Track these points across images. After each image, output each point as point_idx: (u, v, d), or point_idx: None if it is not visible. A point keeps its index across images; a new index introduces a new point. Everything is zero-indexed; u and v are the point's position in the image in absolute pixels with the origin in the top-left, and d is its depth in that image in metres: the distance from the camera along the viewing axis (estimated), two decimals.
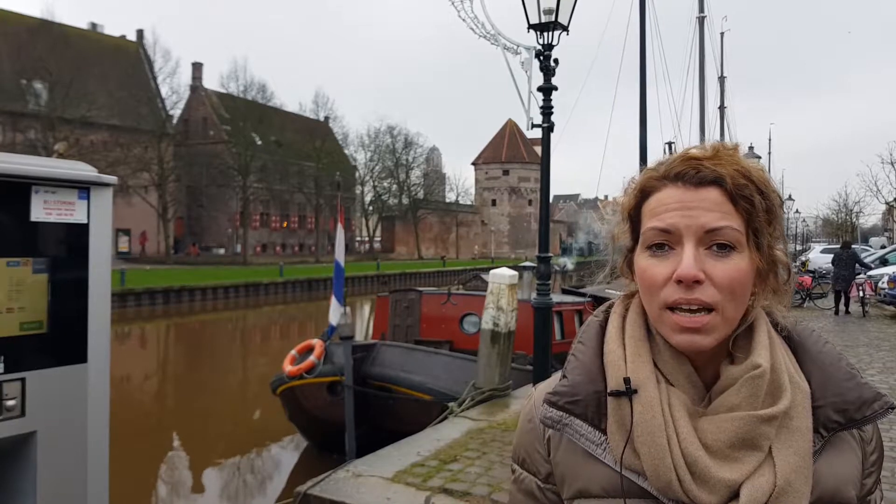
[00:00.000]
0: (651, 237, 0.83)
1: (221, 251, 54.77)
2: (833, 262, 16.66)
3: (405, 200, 70.16)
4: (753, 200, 0.81)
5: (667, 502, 0.79)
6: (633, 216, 0.88)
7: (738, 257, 0.81)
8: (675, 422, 0.80)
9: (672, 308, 0.80)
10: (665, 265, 0.81)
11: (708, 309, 0.79)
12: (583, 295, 13.01)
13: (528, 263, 11.97)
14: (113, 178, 2.11)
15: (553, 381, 0.93)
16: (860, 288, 15.88)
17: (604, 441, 0.85)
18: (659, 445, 0.79)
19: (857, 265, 16.00)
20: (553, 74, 6.86)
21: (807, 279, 17.75)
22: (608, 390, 0.85)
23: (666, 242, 0.82)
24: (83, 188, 2.02)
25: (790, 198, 41.52)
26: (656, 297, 0.82)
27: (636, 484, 0.82)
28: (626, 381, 0.83)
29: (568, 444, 0.88)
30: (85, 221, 2.03)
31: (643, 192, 0.87)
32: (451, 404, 6.81)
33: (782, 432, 0.80)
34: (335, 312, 7.73)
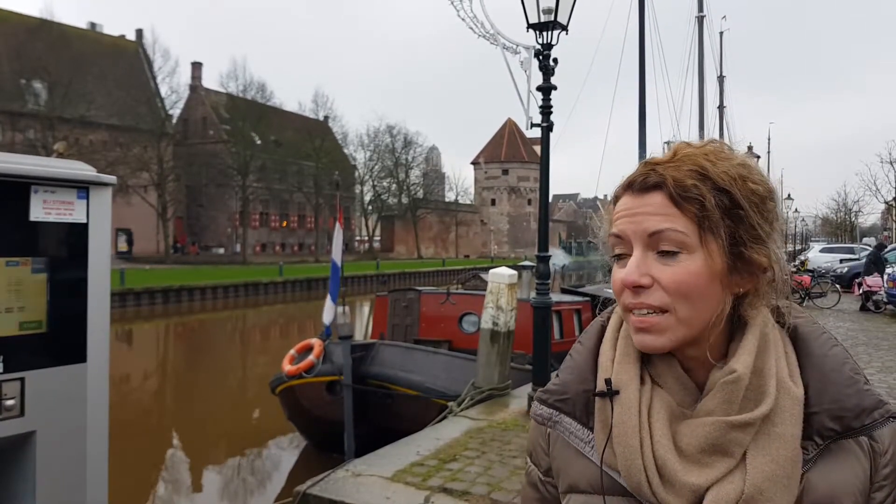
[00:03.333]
0: (612, 244, 0.86)
1: (221, 251, 54.74)
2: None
3: (404, 200, 70.13)
4: (703, 201, 0.79)
5: (643, 502, 0.80)
6: None
7: (687, 259, 0.79)
8: (652, 424, 0.81)
9: (632, 311, 0.82)
10: (622, 271, 0.83)
11: (662, 310, 0.80)
12: (582, 294, 13.02)
13: (527, 263, 11.98)
14: (112, 178, 2.11)
15: None
16: (859, 286, 16.23)
17: (591, 438, 0.87)
18: (631, 446, 0.80)
19: (873, 265, 16.52)
20: (552, 74, 6.86)
21: (806, 278, 17.80)
22: (595, 390, 0.87)
23: (623, 249, 0.84)
24: (82, 188, 2.02)
25: (789, 197, 41.54)
26: (620, 301, 0.84)
27: (617, 482, 0.83)
28: (608, 381, 0.85)
29: (563, 440, 0.91)
30: (84, 221, 2.02)
31: (615, 202, 0.88)
32: (450, 403, 6.82)
33: (761, 439, 0.78)
34: (329, 312, 7.75)
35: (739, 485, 0.76)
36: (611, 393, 0.84)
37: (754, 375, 0.80)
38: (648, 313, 0.80)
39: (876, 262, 16.74)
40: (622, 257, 0.84)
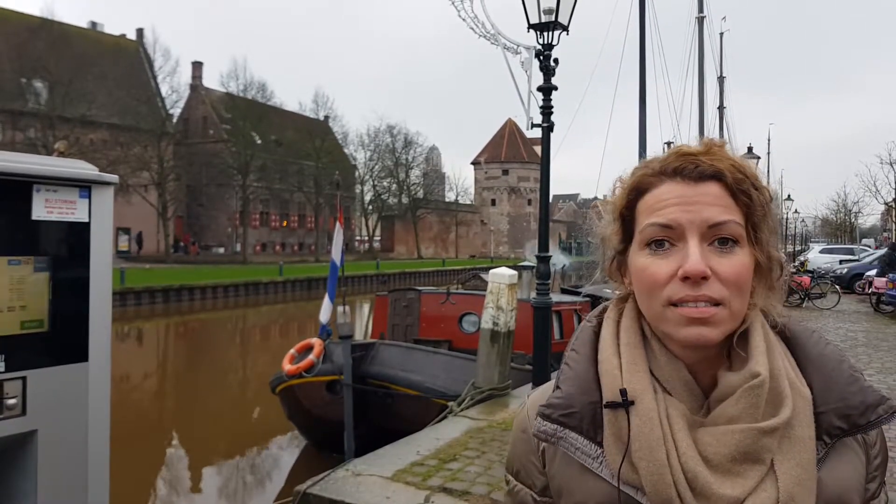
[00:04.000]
0: (651, 233, 0.81)
1: (221, 250, 54.73)
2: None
3: (405, 200, 70.09)
4: (751, 195, 0.81)
5: None
6: (626, 215, 0.86)
7: (741, 252, 0.79)
8: (675, 435, 0.77)
9: (677, 304, 0.78)
10: (667, 262, 0.79)
11: (717, 303, 0.77)
12: (581, 294, 13.00)
13: (527, 263, 11.98)
14: (114, 177, 2.12)
15: (546, 391, 0.90)
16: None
17: (600, 454, 0.82)
18: (658, 460, 0.76)
19: (887, 265, 16.56)
20: (553, 74, 6.87)
21: (805, 279, 17.80)
22: (604, 402, 0.82)
23: (667, 238, 0.80)
24: (84, 187, 2.02)
25: (789, 197, 41.55)
26: (658, 295, 0.79)
27: (634, 499, 0.79)
28: (623, 392, 0.80)
29: (564, 456, 0.85)
30: (86, 220, 2.03)
31: (637, 190, 0.85)
32: (450, 403, 6.82)
33: (784, 443, 0.77)
34: (326, 310, 7.76)
35: (773, 493, 0.74)
36: (626, 404, 0.79)
37: (770, 378, 0.79)
38: (705, 305, 0.77)
39: (890, 263, 16.71)
40: (660, 247, 0.81)
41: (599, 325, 0.90)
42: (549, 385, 0.91)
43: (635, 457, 0.78)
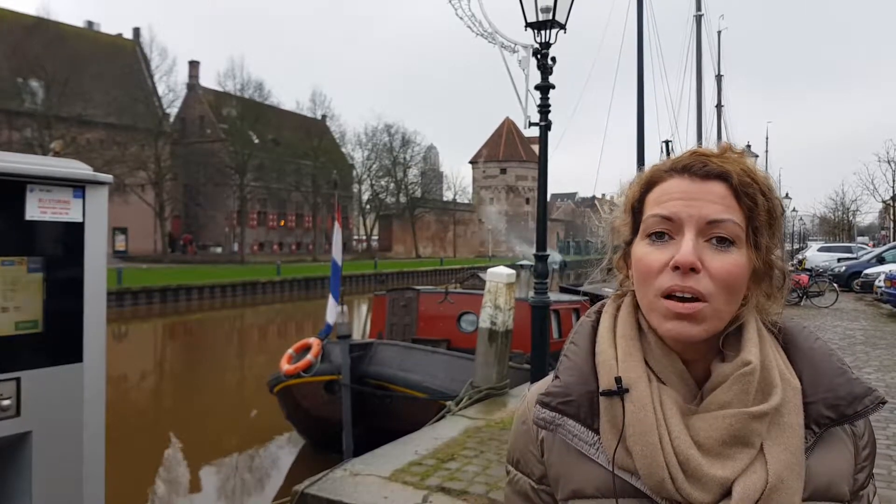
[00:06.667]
0: (652, 224, 0.84)
1: (218, 250, 54.69)
2: None
3: (402, 199, 70.10)
4: (757, 200, 0.83)
5: (660, 501, 0.79)
6: (636, 208, 0.89)
7: (736, 253, 0.82)
8: (667, 420, 0.80)
9: (666, 297, 0.81)
10: (663, 252, 0.82)
11: (703, 299, 0.80)
12: (580, 293, 13.01)
13: (525, 262, 11.98)
14: (108, 177, 2.11)
15: (546, 382, 0.93)
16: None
17: (597, 441, 0.85)
18: (651, 444, 0.79)
19: None
20: (550, 73, 6.87)
21: (803, 277, 17.81)
22: (600, 390, 0.85)
23: (666, 231, 0.83)
24: (78, 187, 2.01)
25: (787, 196, 41.58)
26: (651, 284, 0.83)
27: (629, 483, 0.82)
28: (618, 380, 0.83)
29: (561, 444, 0.88)
30: (80, 220, 2.02)
31: (649, 184, 0.89)
32: (448, 403, 6.81)
33: (773, 429, 0.80)
34: (332, 311, 7.73)
35: (762, 475, 0.78)
36: (621, 391, 0.83)
37: (761, 367, 0.82)
38: (691, 299, 0.80)
39: None
40: (659, 239, 0.84)
41: (598, 319, 0.94)
42: (550, 378, 0.94)
43: (629, 441, 0.81)
